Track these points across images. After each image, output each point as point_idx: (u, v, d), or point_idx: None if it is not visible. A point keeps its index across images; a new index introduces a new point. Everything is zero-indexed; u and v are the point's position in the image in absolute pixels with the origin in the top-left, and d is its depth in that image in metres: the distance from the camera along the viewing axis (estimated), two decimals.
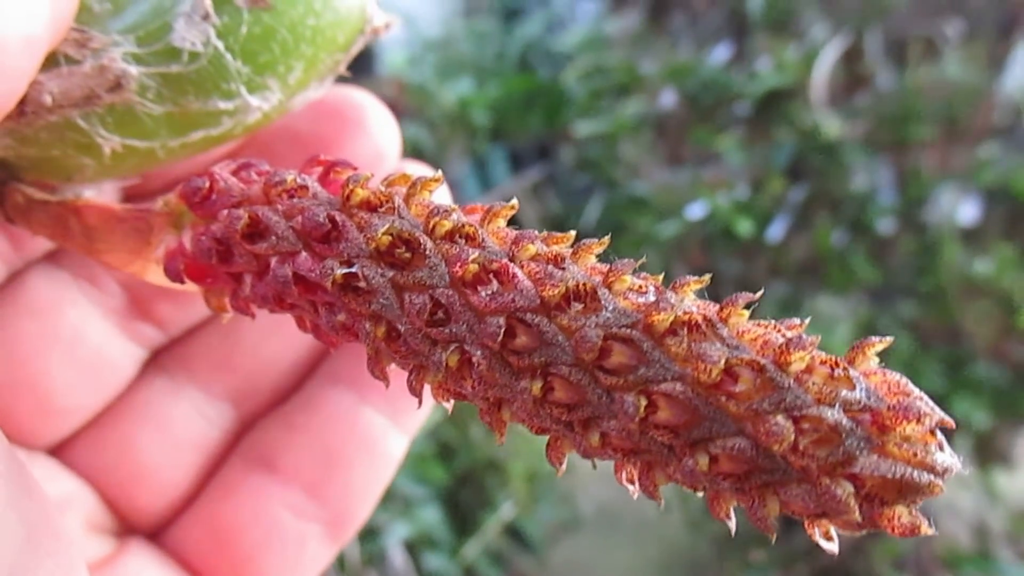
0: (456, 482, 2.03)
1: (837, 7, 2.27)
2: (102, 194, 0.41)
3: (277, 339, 0.46)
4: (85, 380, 0.43)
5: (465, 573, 1.91)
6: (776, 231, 2.13)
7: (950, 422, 0.25)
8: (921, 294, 2.04)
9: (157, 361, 0.46)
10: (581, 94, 2.75)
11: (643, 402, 0.26)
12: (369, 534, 1.73)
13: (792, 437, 0.25)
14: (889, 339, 0.27)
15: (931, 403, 0.25)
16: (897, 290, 2.10)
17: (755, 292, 0.28)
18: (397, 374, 0.32)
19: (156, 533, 0.45)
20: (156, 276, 0.37)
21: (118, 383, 0.44)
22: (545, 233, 0.31)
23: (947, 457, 0.25)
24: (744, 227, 2.09)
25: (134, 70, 0.34)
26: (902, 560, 1.89)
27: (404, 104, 2.73)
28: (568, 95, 2.85)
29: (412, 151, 2.51)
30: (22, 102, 0.33)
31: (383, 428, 0.46)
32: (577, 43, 2.88)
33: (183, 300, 0.44)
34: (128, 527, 0.45)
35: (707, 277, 0.29)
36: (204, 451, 0.46)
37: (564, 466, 0.30)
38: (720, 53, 2.44)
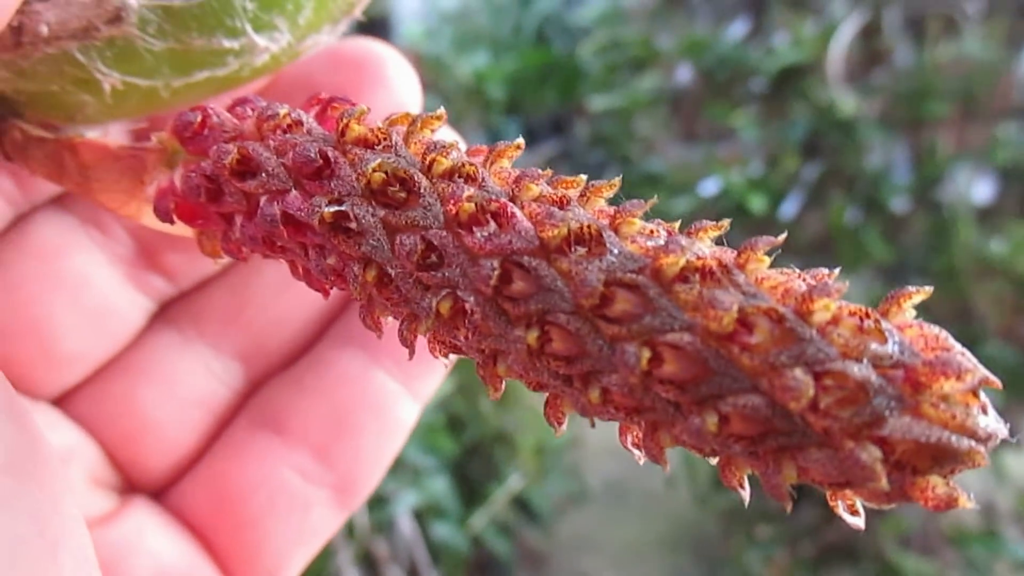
0: (465, 453, 2.05)
1: None
2: (107, 136, 0.39)
3: (289, 296, 0.45)
4: (90, 328, 0.41)
5: (472, 543, 1.93)
6: (790, 208, 2.11)
7: (996, 382, 0.22)
8: (934, 273, 2.02)
9: (166, 314, 0.44)
10: (597, 68, 2.74)
11: (646, 354, 0.24)
12: (378, 502, 1.75)
13: (811, 393, 0.22)
14: (929, 289, 0.24)
15: (974, 360, 0.22)
16: (910, 269, 2.09)
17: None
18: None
19: (160, 492, 0.44)
20: (151, 219, 0.35)
21: (125, 333, 0.43)
22: (550, 173, 0.29)
23: (991, 421, 0.22)
24: (757, 204, 2.08)
25: (134, 2, 0.32)
26: (908, 537, 1.89)
27: (420, 76, 2.73)
28: (584, 69, 2.84)
29: None
30: (18, 32, 0.32)
31: (395, 393, 0.45)
32: (594, 17, 2.86)
33: (194, 251, 0.41)
34: (131, 484, 0.44)
35: (726, 222, 0.27)
36: (211, 409, 0.44)
37: (564, 427, 0.28)
38: (737, 28, 2.42)
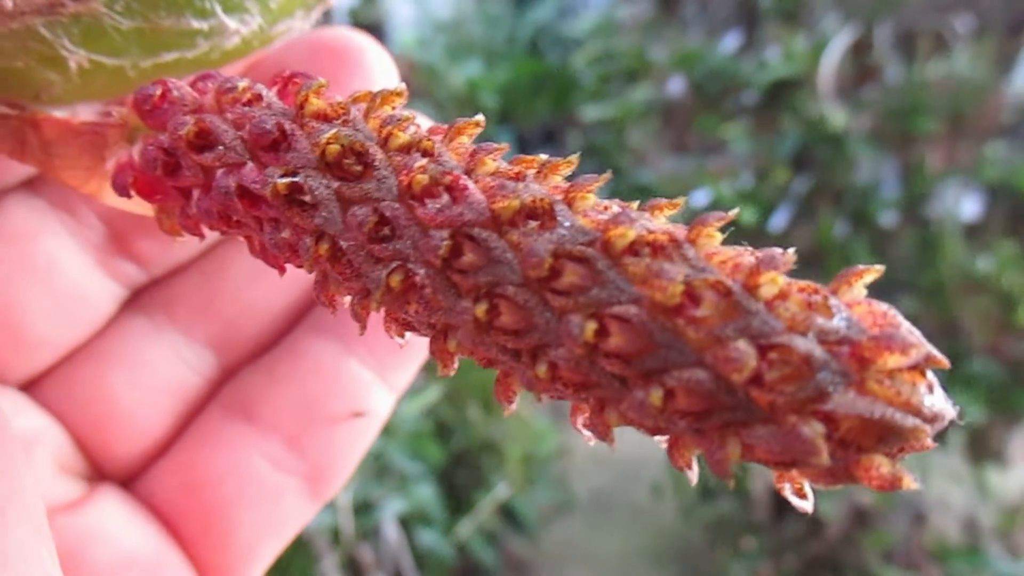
0: (452, 461, 2.04)
1: None
2: (76, 117, 0.37)
3: (263, 284, 0.44)
4: (60, 313, 0.40)
5: (458, 550, 1.93)
6: (779, 221, 2.13)
7: (944, 361, 0.22)
8: (921, 288, 2.04)
9: (137, 301, 0.43)
10: (590, 79, 2.75)
11: (592, 325, 0.23)
12: (364, 508, 1.74)
13: (752, 364, 0.21)
14: (880, 268, 0.24)
15: (921, 337, 0.22)
16: (897, 284, 2.10)
17: None
18: (380, 326, 0.30)
19: (129, 479, 0.43)
20: (112, 196, 0.34)
21: (95, 320, 0.42)
22: (507, 147, 0.29)
23: (938, 400, 0.21)
24: (747, 216, 2.09)
25: None
26: (892, 552, 1.90)
27: (413, 84, 2.74)
28: (577, 80, 2.86)
29: None
30: None
31: (369, 382, 0.44)
32: (588, 28, 2.88)
33: (166, 238, 0.40)
34: (100, 471, 0.43)
35: (681, 199, 0.26)
36: (182, 397, 0.43)
37: (515, 405, 0.28)
38: (730, 41, 2.44)
